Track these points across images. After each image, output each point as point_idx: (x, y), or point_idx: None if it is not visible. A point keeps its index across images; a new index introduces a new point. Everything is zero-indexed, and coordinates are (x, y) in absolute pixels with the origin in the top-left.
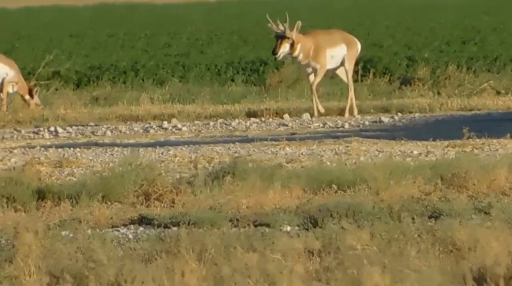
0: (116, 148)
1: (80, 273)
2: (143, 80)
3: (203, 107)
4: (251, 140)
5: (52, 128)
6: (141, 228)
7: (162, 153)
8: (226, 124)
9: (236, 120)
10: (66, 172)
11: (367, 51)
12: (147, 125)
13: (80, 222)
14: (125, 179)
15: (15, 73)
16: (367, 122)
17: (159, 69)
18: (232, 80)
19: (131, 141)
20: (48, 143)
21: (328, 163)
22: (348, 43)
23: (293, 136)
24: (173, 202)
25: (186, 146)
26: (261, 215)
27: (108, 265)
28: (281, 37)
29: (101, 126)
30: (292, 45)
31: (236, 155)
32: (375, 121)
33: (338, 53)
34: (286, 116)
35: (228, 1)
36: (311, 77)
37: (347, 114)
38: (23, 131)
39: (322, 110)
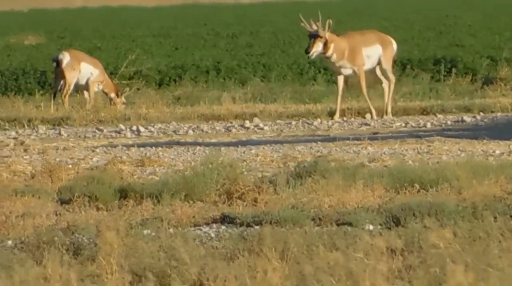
0: (198, 147)
1: (163, 272)
2: (224, 79)
3: (285, 107)
4: (333, 139)
5: (134, 128)
6: (223, 227)
7: (244, 152)
8: (308, 123)
9: (318, 120)
10: (148, 170)
11: (449, 51)
12: (229, 124)
13: (162, 220)
14: (207, 178)
15: (100, 72)
16: (449, 122)
17: (241, 69)
18: (314, 79)
19: (213, 140)
20: (130, 142)
21: (411, 162)
22: (383, 42)
23: (375, 135)
24: (255, 201)
25: (268, 145)
26: (343, 213)
27: (190, 264)
28: (314, 36)
29: (183, 126)
30: (326, 45)
31: (318, 154)
32: (457, 121)
33: (374, 53)
34: (368, 115)
35: (309, 2)
36: (341, 79)
37: (390, 112)
38: (105, 130)
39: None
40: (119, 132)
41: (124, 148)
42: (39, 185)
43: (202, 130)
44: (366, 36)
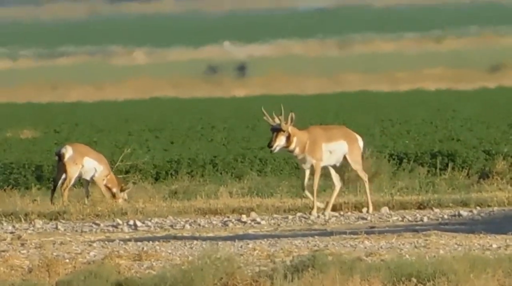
0: (195, 241)
1: None
2: (221, 173)
3: (281, 201)
4: (330, 233)
5: (131, 222)
6: None
7: (241, 246)
8: (305, 218)
9: (315, 214)
10: (145, 265)
11: (445, 145)
12: (226, 219)
13: None
14: (205, 272)
15: (104, 168)
16: (446, 216)
17: (238, 163)
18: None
19: (210, 234)
20: (127, 236)
21: (408, 256)
22: (349, 138)
23: (372, 229)
24: None
25: (265, 239)
26: None
27: None
28: (276, 130)
29: (180, 220)
30: (288, 138)
31: (315, 248)
32: (454, 215)
33: (337, 148)
34: (364, 210)
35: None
36: (307, 172)
37: (371, 208)
38: (102, 224)
39: (321, 206)
40: (116, 227)
41: (121, 242)
42: (37, 279)
43: (199, 224)
44: (330, 131)
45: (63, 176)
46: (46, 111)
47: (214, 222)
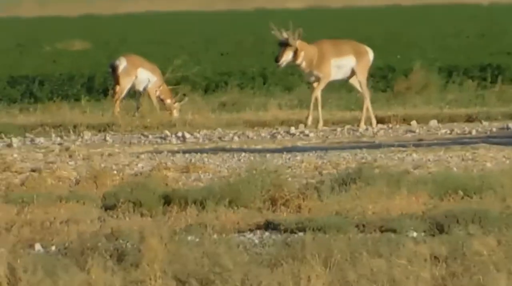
0: (243, 154)
1: (206, 278)
2: (270, 86)
3: (330, 113)
4: (378, 146)
5: (179, 134)
6: (267, 233)
7: (289, 159)
8: (353, 130)
9: (364, 127)
10: (193, 177)
11: (496, 59)
12: (274, 131)
13: (206, 227)
14: (252, 184)
15: (158, 79)
16: (494, 129)
17: (288, 75)
18: None
19: (258, 147)
20: (175, 148)
21: (455, 169)
22: (358, 53)
23: (420, 142)
24: (299, 208)
25: (313, 152)
26: (387, 220)
27: (234, 270)
28: (284, 44)
29: (228, 132)
30: (296, 53)
31: (363, 160)
32: (503, 128)
33: (345, 64)
34: (413, 123)
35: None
36: (315, 85)
37: (362, 124)
38: (150, 136)
39: (317, 123)
40: (165, 139)
41: (169, 154)
42: (84, 191)
43: (248, 136)
44: (339, 46)
45: (116, 88)
46: (97, 24)
47: (263, 134)
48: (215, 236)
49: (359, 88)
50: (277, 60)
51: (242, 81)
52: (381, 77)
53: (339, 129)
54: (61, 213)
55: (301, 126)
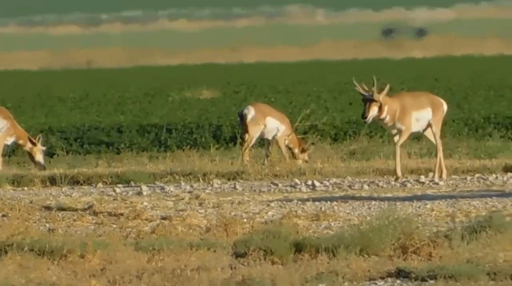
0: (373, 202)
1: None
2: None
3: (460, 162)
4: (508, 195)
5: (309, 182)
6: (398, 281)
7: (419, 207)
8: (483, 179)
9: (494, 175)
10: (323, 225)
11: None
12: (404, 179)
13: (337, 274)
14: (383, 232)
15: (286, 127)
16: None
17: None
18: (490, 135)
19: (389, 195)
20: (305, 196)
21: None
22: (434, 105)
23: None
24: (430, 255)
25: (443, 200)
26: None
27: None
28: (369, 100)
29: (358, 180)
30: (380, 108)
31: (493, 209)
32: None
33: (424, 116)
34: (430, 174)
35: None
36: (396, 138)
37: (436, 176)
38: (280, 184)
39: (399, 173)
40: (294, 187)
41: (299, 202)
42: (214, 238)
43: (378, 185)
44: (418, 98)
45: (245, 136)
46: (225, 72)
47: (393, 183)
48: (346, 284)
49: (433, 140)
50: (364, 116)
51: (371, 129)
52: (511, 126)
53: (468, 178)
54: (191, 260)
55: (430, 174)
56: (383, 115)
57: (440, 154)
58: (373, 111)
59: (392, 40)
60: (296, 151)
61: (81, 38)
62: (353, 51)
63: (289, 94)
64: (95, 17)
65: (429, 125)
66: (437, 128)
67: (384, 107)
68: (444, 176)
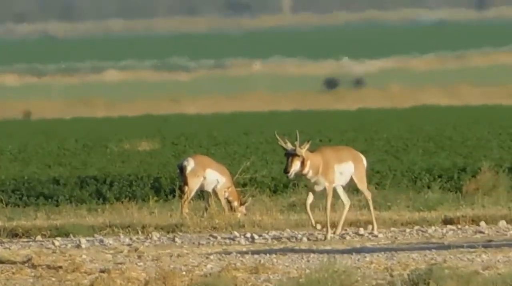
0: (312, 254)
1: None
2: None
3: (399, 214)
4: (447, 247)
5: (248, 235)
6: None
7: (358, 260)
8: (422, 231)
9: (433, 227)
10: (262, 278)
11: None
12: (343, 232)
13: None
14: (322, 285)
15: (227, 179)
16: None
17: None
18: (428, 187)
19: (327, 247)
20: (244, 249)
21: None
22: (355, 160)
23: (489, 243)
24: None
25: (382, 253)
26: None
27: None
28: (291, 155)
29: (297, 233)
30: (303, 163)
31: (432, 261)
32: None
33: (346, 170)
34: (482, 223)
35: (426, 106)
36: (311, 195)
37: (375, 228)
38: (219, 237)
39: (337, 232)
40: (233, 239)
41: (238, 255)
42: None
43: (317, 238)
44: (339, 152)
45: (185, 188)
46: (163, 124)
47: (331, 235)
48: None
49: (342, 196)
50: (286, 171)
51: None
52: (449, 178)
53: (408, 230)
54: None
55: (369, 227)
56: (305, 170)
57: (371, 205)
58: (296, 166)
59: (332, 90)
60: (236, 204)
61: (19, 89)
62: (293, 103)
63: (228, 145)
64: (35, 68)
65: (351, 179)
66: (362, 184)
67: (307, 162)
68: (375, 230)
